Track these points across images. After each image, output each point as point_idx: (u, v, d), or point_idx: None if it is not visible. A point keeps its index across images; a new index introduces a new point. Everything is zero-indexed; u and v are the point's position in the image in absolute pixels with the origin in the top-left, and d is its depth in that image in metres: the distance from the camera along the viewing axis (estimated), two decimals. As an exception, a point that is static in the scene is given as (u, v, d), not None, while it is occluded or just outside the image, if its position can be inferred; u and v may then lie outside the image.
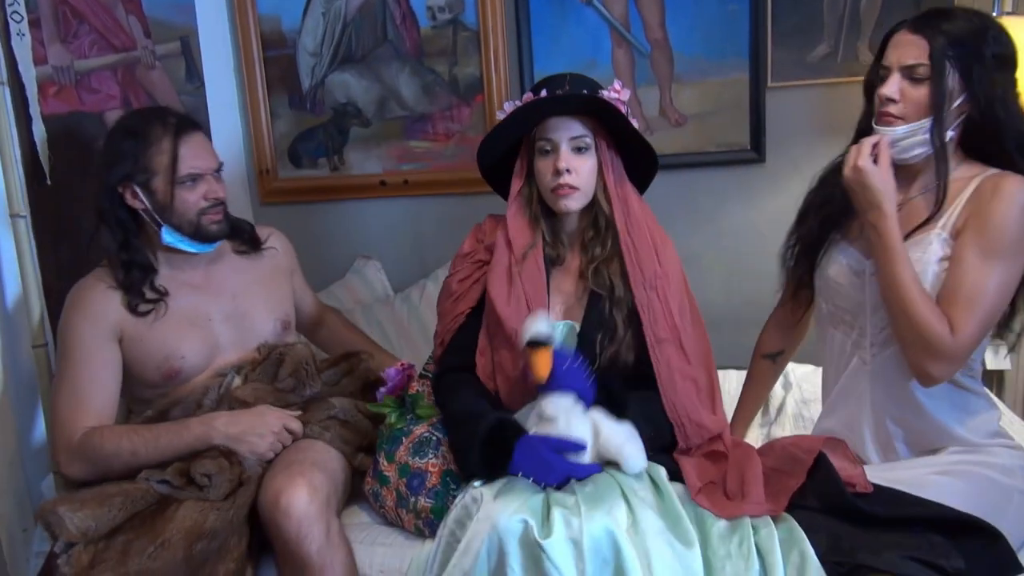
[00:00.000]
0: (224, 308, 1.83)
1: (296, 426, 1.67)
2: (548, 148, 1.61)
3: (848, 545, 1.35)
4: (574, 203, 1.62)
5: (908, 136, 1.50)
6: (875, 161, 1.47)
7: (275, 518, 1.51)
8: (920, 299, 1.44)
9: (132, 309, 1.74)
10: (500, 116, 1.67)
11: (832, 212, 1.63)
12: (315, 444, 1.67)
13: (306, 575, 1.51)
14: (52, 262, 2.37)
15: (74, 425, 1.69)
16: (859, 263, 1.58)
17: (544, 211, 1.68)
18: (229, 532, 1.52)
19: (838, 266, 1.61)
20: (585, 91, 1.60)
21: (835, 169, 1.65)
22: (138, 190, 1.73)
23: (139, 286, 1.75)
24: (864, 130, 1.59)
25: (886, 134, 1.50)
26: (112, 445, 1.66)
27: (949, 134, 1.49)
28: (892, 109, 1.50)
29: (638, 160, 1.67)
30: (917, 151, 1.51)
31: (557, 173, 1.59)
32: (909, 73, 1.48)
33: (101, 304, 1.74)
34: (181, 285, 1.81)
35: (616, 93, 1.61)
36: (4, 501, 2.02)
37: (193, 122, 1.79)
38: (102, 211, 1.75)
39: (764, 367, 1.86)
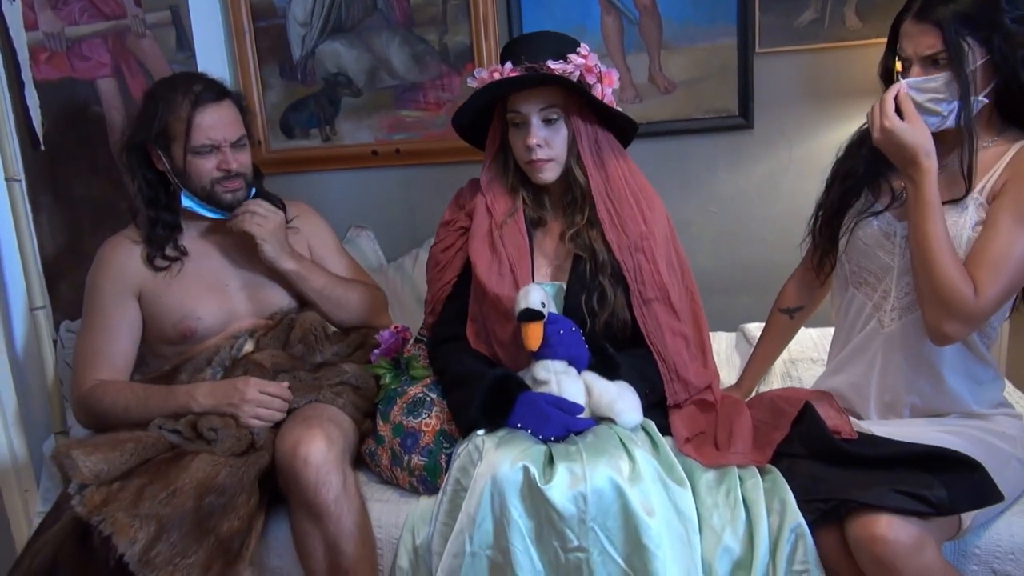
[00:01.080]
0: (243, 276, 1.86)
1: (274, 388, 1.69)
2: (519, 121, 1.61)
3: (833, 486, 1.38)
4: (549, 174, 1.63)
5: (929, 84, 1.45)
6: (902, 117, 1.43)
7: (293, 466, 1.54)
8: (948, 257, 1.41)
9: (150, 262, 1.79)
10: (471, 83, 1.67)
11: (855, 184, 1.61)
12: (328, 407, 1.69)
13: (322, 523, 1.54)
14: (47, 225, 2.39)
15: (86, 377, 1.76)
16: (890, 225, 1.56)
17: (522, 179, 1.68)
18: (238, 489, 1.54)
19: (869, 228, 1.58)
20: (549, 60, 1.56)
21: (859, 139, 1.63)
22: (160, 153, 1.77)
23: (162, 243, 1.80)
24: None
25: (902, 84, 1.45)
26: (109, 400, 1.72)
27: (982, 100, 1.46)
28: None
29: (617, 119, 1.66)
30: (948, 118, 1.46)
31: (529, 148, 1.59)
32: (930, 61, 1.45)
33: (122, 259, 1.79)
34: (206, 248, 1.86)
35: (583, 58, 1.59)
36: (5, 463, 2.05)
37: (219, 92, 1.79)
38: (130, 168, 1.79)
39: (781, 321, 1.84)
